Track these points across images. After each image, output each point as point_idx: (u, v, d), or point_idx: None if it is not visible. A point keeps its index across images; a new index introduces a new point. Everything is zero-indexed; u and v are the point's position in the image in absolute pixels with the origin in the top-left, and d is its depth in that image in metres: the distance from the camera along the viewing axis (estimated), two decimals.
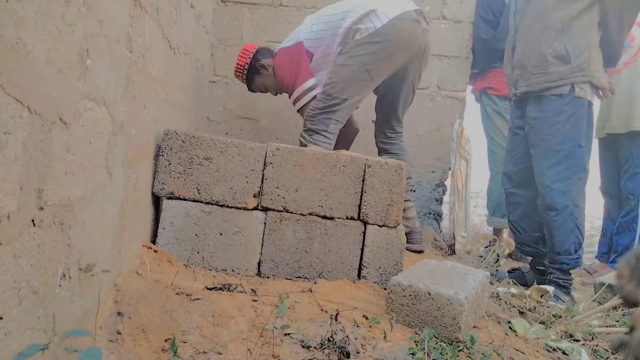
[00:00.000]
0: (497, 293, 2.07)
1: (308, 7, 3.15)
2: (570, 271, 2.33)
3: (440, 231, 3.18)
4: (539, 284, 2.30)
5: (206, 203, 1.74)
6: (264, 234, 1.77)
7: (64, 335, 0.86)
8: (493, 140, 3.38)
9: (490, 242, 3.48)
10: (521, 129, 2.45)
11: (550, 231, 2.29)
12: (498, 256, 2.94)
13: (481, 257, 3.03)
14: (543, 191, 2.29)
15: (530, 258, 2.65)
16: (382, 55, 2.16)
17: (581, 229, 2.29)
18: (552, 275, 2.33)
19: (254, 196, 1.76)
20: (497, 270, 2.67)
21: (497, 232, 3.52)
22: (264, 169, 1.77)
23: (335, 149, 2.35)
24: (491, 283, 2.32)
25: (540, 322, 1.83)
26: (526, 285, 2.38)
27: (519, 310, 1.94)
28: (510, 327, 1.70)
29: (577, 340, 1.72)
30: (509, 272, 2.61)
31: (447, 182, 3.20)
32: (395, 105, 2.46)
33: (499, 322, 1.75)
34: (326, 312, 1.46)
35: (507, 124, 3.23)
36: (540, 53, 2.29)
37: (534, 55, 2.32)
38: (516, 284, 2.34)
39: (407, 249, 2.40)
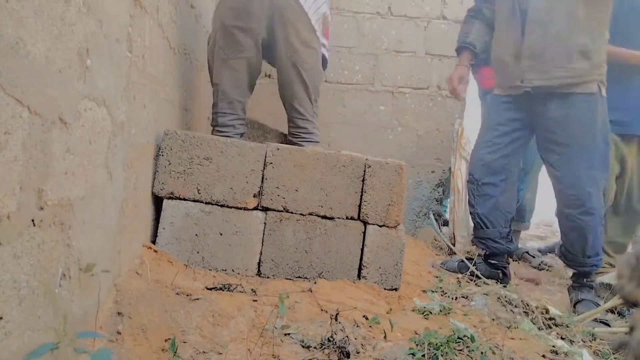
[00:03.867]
0: (504, 295, 2.06)
1: None
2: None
3: (440, 231, 3.18)
4: (488, 276, 2.31)
5: (206, 203, 1.74)
6: (264, 234, 1.77)
7: (75, 335, 0.86)
8: None
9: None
10: (515, 121, 2.31)
11: (583, 235, 2.18)
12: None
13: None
14: (582, 196, 2.14)
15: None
16: (228, 26, 1.96)
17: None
18: (585, 279, 2.25)
19: (254, 196, 1.76)
20: (448, 260, 2.60)
21: (516, 233, 3.46)
22: (264, 169, 1.77)
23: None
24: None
25: (542, 322, 1.83)
26: (478, 277, 2.33)
27: (523, 310, 1.94)
28: (508, 327, 1.70)
29: (578, 341, 1.72)
30: (460, 262, 2.50)
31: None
32: (282, 91, 2.11)
33: (500, 322, 1.75)
34: (326, 312, 1.46)
35: None
36: (565, 45, 2.10)
37: (557, 46, 2.11)
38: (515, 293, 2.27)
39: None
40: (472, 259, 2.50)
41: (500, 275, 2.37)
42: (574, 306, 2.20)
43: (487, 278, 2.32)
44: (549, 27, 2.13)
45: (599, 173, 2.17)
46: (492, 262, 2.40)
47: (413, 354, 1.24)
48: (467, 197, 2.51)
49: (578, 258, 2.24)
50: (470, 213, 2.49)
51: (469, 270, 2.33)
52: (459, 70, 2.46)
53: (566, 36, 2.11)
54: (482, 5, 2.48)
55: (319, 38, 2.09)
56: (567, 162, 2.18)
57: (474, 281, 2.27)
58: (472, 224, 3.74)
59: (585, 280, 2.25)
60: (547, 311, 1.97)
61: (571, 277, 2.37)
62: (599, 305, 2.11)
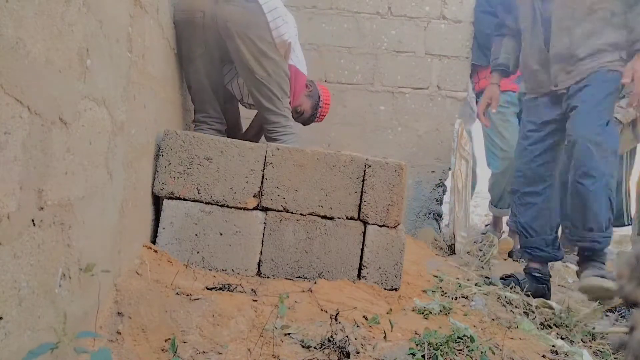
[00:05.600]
0: (504, 295, 2.05)
1: (308, 7, 3.15)
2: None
3: (440, 231, 3.18)
4: (534, 292, 2.18)
5: (206, 203, 1.74)
6: (264, 234, 1.77)
7: (74, 335, 0.86)
8: (492, 140, 3.37)
9: (487, 224, 3.50)
10: (548, 124, 2.31)
11: (583, 203, 2.05)
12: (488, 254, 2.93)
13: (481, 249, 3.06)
14: (583, 156, 2.06)
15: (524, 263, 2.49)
16: (177, 36, 1.97)
17: (613, 204, 2.10)
18: (588, 257, 2.11)
19: (254, 196, 1.76)
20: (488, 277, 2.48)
21: (497, 220, 3.58)
22: (264, 169, 1.77)
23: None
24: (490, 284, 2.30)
25: (541, 323, 1.83)
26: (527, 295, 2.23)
27: (523, 310, 1.94)
28: (508, 327, 1.70)
29: (578, 341, 1.72)
30: (501, 279, 2.36)
31: (447, 182, 3.20)
32: (250, 94, 2.16)
33: (500, 322, 1.75)
34: (326, 312, 1.46)
35: (506, 123, 3.21)
36: (595, 43, 2.15)
37: (585, 45, 2.15)
38: (517, 292, 2.17)
39: None
40: (512, 275, 2.39)
41: (545, 290, 2.28)
42: (578, 276, 2.18)
43: (534, 295, 2.17)
44: (573, 31, 2.17)
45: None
46: (536, 275, 2.31)
47: (413, 354, 1.24)
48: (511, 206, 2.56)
49: (578, 231, 2.10)
50: (514, 222, 2.47)
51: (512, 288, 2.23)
52: (489, 90, 2.62)
53: (594, 36, 2.14)
54: (506, 18, 2.54)
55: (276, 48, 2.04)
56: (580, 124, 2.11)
57: (477, 284, 2.25)
58: (471, 224, 3.77)
59: (589, 259, 2.10)
60: (549, 306, 1.97)
61: (577, 254, 2.28)
62: (604, 273, 2.03)
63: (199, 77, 2.06)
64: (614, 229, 3.55)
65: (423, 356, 1.24)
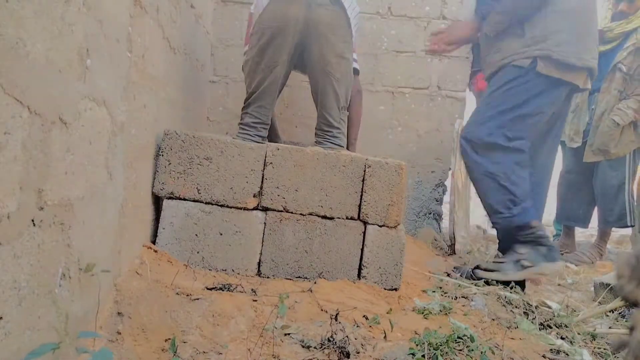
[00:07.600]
0: (504, 295, 2.05)
1: None
2: None
3: (440, 231, 3.18)
4: (478, 278, 2.22)
5: (206, 203, 1.74)
6: (264, 234, 1.77)
7: (75, 335, 0.86)
8: None
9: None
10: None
11: None
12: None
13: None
14: None
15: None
16: (263, 44, 2.01)
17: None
18: None
19: (254, 196, 1.76)
20: (462, 267, 2.47)
21: (568, 230, 3.56)
22: (264, 169, 1.77)
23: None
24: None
25: (541, 323, 1.83)
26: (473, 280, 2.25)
27: (523, 310, 1.94)
28: (508, 327, 1.70)
29: (578, 341, 1.72)
30: (474, 269, 2.36)
31: (447, 182, 3.20)
32: (314, 96, 2.18)
33: (500, 322, 1.75)
34: (326, 312, 1.46)
35: None
36: None
37: None
38: (517, 292, 2.14)
39: None
40: (463, 266, 2.41)
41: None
42: None
43: (503, 283, 2.18)
44: None
45: None
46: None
47: (413, 354, 1.24)
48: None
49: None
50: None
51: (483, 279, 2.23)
52: None
53: None
54: None
55: (353, 47, 2.16)
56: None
57: (475, 283, 2.25)
58: (471, 224, 3.75)
59: None
60: (547, 305, 1.97)
61: None
62: None
63: (275, 84, 2.07)
64: (616, 229, 3.60)
65: (423, 356, 1.24)
